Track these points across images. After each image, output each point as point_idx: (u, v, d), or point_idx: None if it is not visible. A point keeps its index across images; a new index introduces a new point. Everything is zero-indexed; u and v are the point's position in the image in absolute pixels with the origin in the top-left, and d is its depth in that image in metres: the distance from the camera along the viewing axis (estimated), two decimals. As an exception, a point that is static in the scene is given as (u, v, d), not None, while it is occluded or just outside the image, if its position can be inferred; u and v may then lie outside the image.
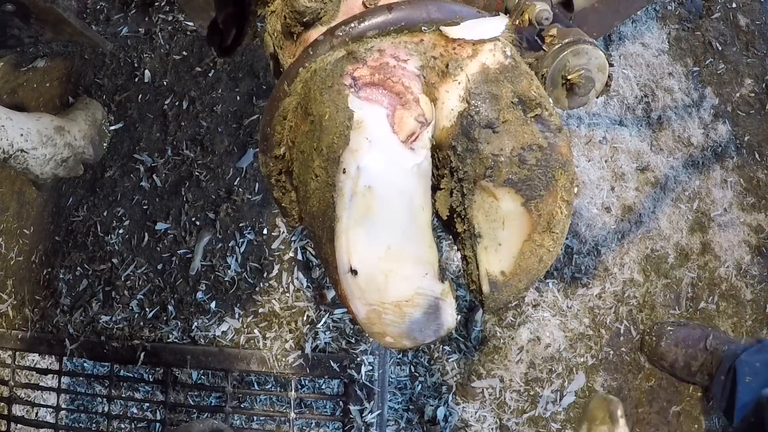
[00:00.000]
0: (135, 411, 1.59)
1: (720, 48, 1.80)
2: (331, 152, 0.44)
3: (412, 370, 1.55)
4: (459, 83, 0.46)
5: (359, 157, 0.44)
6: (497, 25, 0.47)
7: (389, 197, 0.44)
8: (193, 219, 1.62)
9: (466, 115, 0.45)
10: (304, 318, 1.51)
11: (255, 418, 1.50)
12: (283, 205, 0.55)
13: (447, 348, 1.55)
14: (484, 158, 0.45)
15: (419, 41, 0.47)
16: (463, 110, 0.45)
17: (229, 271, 1.57)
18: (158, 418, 1.55)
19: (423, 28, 0.46)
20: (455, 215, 0.48)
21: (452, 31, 0.46)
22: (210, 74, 1.71)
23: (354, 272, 0.44)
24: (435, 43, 0.47)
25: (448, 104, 0.46)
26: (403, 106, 0.45)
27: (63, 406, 1.60)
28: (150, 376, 1.56)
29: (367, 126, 0.44)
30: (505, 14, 0.53)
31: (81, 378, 1.61)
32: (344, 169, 0.44)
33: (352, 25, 0.46)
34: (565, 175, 0.46)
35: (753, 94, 1.77)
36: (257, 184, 1.63)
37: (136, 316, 1.59)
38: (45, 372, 1.62)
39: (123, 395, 1.57)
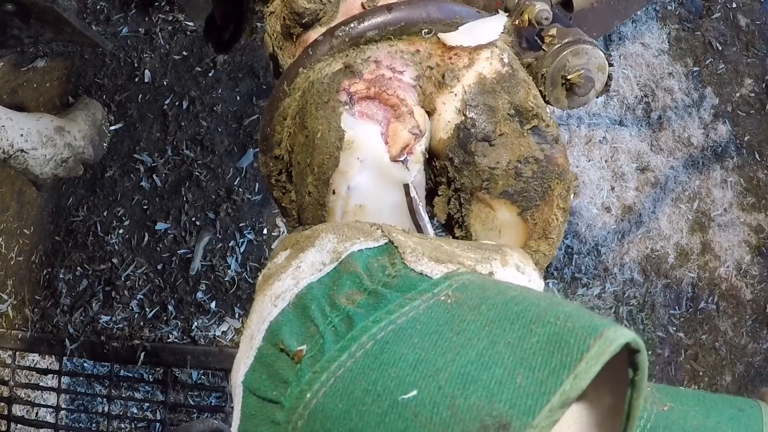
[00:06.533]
0: (135, 411, 1.59)
1: (720, 48, 1.80)
2: (321, 173, 0.44)
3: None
4: (456, 95, 0.45)
5: (349, 177, 0.43)
6: (496, 26, 0.47)
7: (380, 213, 0.44)
8: (193, 219, 1.62)
9: (463, 127, 0.45)
10: (304, 318, 1.51)
11: (255, 418, 1.50)
12: (283, 205, 0.55)
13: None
14: (480, 171, 0.45)
15: (415, 51, 0.46)
16: (460, 123, 0.45)
17: (229, 271, 1.57)
18: (158, 418, 1.55)
19: (423, 29, 0.46)
20: (453, 221, 0.49)
21: (449, 38, 0.46)
22: (210, 74, 1.71)
23: None
24: (431, 52, 0.46)
25: (445, 116, 0.46)
26: (398, 119, 0.45)
27: (63, 406, 1.60)
28: (150, 376, 1.56)
29: (359, 146, 0.44)
30: (506, 13, 0.52)
31: (81, 378, 1.61)
32: (334, 190, 0.44)
33: (352, 25, 0.46)
34: (562, 184, 0.46)
35: (753, 94, 1.77)
36: (257, 184, 1.63)
37: (136, 316, 1.59)
38: (45, 372, 1.62)
39: (123, 395, 1.57)
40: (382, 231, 0.36)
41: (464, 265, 0.34)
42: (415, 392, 0.25)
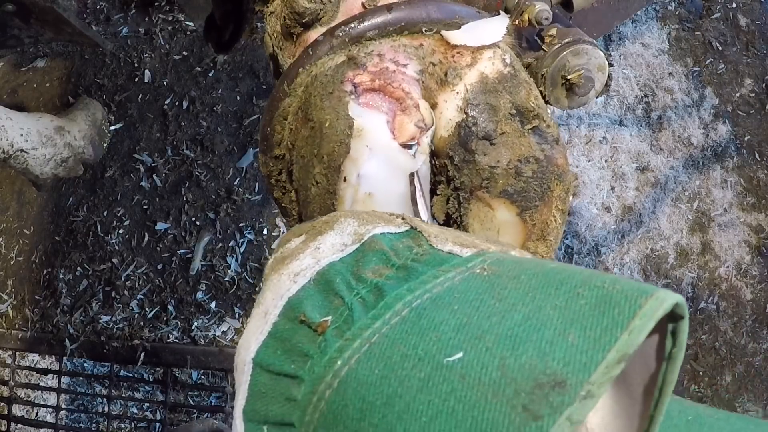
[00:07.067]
0: (135, 411, 1.59)
1: (720, 48, 1.80)
2: (332, 160, 0.44)
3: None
4: (457, 93, 0.45)
5: (360, 165, 0.43)
6: (498, 27, 0.47)
7: (389, 203, 0.44)
8: (193, 219, 1.62)
9: (464, 126, 0.45)
10: (304, 318, 1.51)
11: (255, 418, 1.50)
12: (283, 205, 0.55)
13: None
14: (480, 170, 0.45)
15: (419, 45, 0.46)
16: (461, 121, 0.45)
17: (229, 271, 1.57)
18: (158, 418, 1.55)
19: (423, 29, 0.46)
20: (451, 221, 0.48)
21: (453, 37, 0.46)
22: (210, 74, 1.71)
23: None
24: (434, 48, 0.46)
25: (446, 114, 0.46)
26: (403, 112, 0.45)
27: (63, 406, 1.60)
28: (150, 376, 1.56)
29: (368, 133, 0.44)
30: (506, 13, 0.52)
31: (81, 378, 1.61)
32: (345, 177, 0.44)
33: (352, 25, 0.46)
34: (561, 185, 0.46)
35: (753, 94, 1.77)
36: (257, 184, 1.63)
37: (136, 316, 1.59)
38: (45, 372, 1.62)
39: (123, 395, 1.57)
40: (403, 219, 0.36)
41: (489, 250, 0.33)
42: (460, 354, 0.25)
